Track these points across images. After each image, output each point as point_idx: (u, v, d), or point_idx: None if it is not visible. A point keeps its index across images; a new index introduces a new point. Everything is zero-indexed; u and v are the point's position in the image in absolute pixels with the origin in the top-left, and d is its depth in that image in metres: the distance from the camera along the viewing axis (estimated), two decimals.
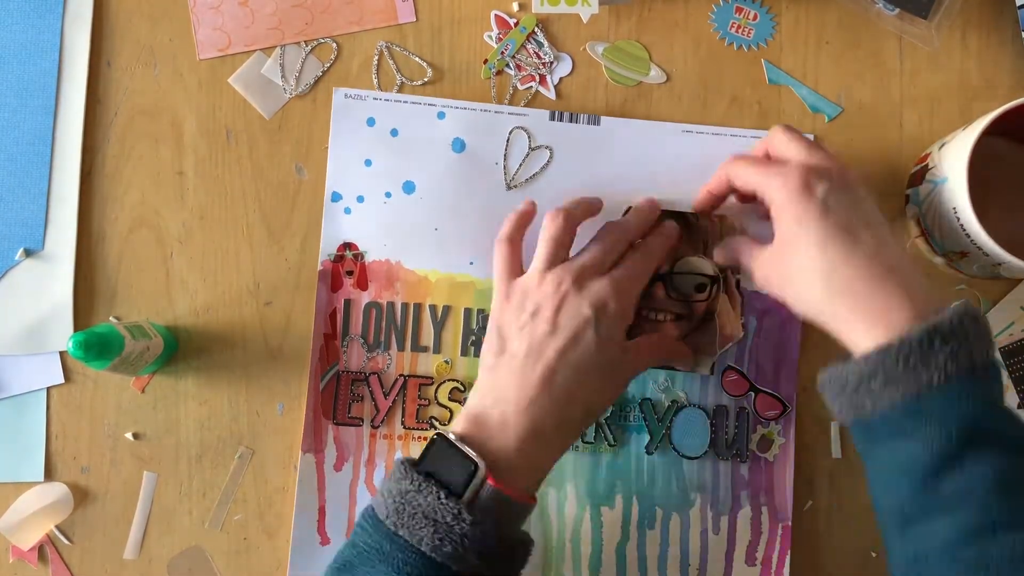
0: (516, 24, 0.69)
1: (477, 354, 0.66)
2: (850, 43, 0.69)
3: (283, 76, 0.68)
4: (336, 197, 0.67)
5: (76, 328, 0.66)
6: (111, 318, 0.67)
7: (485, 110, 0.67)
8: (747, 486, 0.66)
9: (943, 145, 0.62)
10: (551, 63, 0.68)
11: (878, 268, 0.51)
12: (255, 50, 0.68)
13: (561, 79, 0.68)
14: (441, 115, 0.67)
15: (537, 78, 0.68)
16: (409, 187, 0.67)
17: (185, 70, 0.69)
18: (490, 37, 0.69)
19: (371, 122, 0.67)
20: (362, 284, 0.67)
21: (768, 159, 0.58)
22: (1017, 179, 0.66)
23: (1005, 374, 0.66)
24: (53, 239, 0.67)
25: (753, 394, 0.66)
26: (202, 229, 0.68)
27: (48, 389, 0.67)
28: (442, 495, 0.50)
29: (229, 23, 0.69)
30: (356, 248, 0.67)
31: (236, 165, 0.68)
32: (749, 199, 0.60)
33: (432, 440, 0.53)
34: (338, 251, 0.67)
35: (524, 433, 0.53)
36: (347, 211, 0.67)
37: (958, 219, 0.59)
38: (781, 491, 0.66)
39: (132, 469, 0.66)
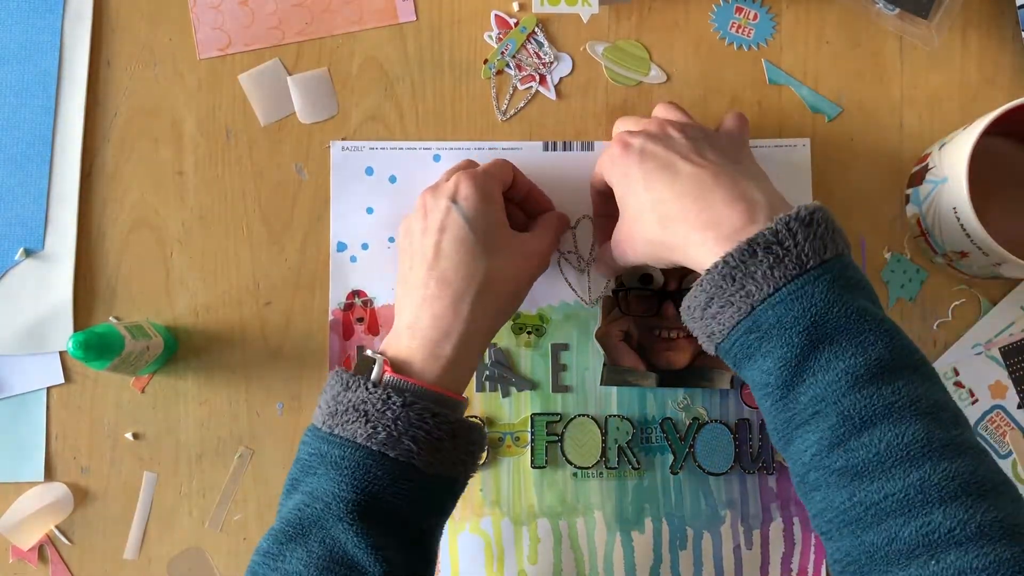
0: (516, 24, 0.69)
1: (492, 389, 0.66)
2: (850, 43, 0.69)
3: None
4: (341, 247, 0.67)
5: (76, 328, 0.66)
6: (111, 318, 0.67)
7: (479, 148, 0.68)
8: (776, 498, 0.66)
9: (943, 145, 0.62)
10: (551, 63, 0.68)
11: (701, 188, 0.52)
12: (255, 49, 0.69)
13: (561, 79, 0.68)
14: (436, 157, 0.68)
15: (537, 78, 0.68)
16: None
17: (185, 70, 0.69)
18: (490, 37, 0.69)
19: (369, 171, 0.68)
20: (373, 330, 0.67)
21: None
22: (1017, 179, 0.66)
23: (1005, 373, 0.66)
24: (53, 239, 0.67)
25: None
26: (202, 229, 0.68)
27: (48, 389, 0.67)
28: (369, 385, 0.51)
29: (229, 22, 0.69)
30: (365, 295, 0.67)
31: (236, 165, 0.68)
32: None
33: (356, 357, 0.55)
34: (347, 299, 0.67)
35: (424, 326, 0.54)
36: (353, 259, 0.67)
37: (958, 219, 0.59)
38: None
39: (132, 469, 0.66)
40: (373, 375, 0.52)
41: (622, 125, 0.62)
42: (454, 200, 0.56)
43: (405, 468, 0.50)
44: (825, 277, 0.47)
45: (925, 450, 0.44)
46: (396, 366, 0.53)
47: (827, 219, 0.49)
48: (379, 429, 0.50)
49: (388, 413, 0.50)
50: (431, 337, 0.54)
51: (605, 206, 0.63)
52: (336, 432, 0.51)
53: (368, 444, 0.50)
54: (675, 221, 0.52)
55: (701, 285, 0.50)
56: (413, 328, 0.54)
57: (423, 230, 0.57)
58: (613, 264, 0.62)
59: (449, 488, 0.53)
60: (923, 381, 0.46)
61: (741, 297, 0.48)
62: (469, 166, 0.62)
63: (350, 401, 0.51)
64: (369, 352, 0.54)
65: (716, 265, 0.49)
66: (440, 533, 0.54)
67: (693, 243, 0.51)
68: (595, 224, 0.66)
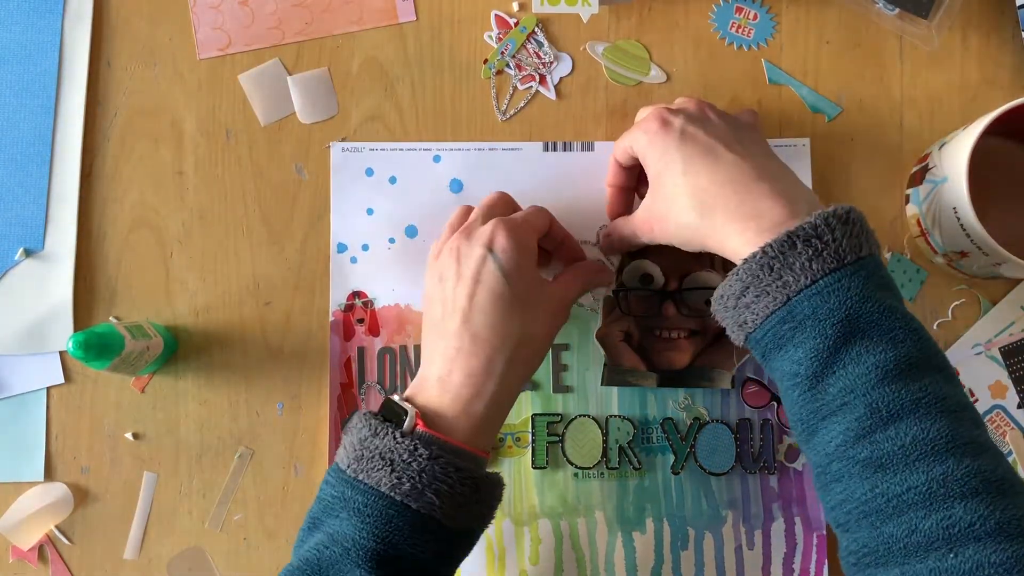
0: (516, 24, 0.69)
1: None
2: (850, 43, 0.69)
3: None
4: (342, 248, 0.67)
5: (76, 328, 0.66)
6: (111, 318, 0.67)
7: (479, 149, 0.68)
8: (778, 498, 0.66)
9: (943, 145, 0.62)
10: (551, 63, 0.68)
11: (743, 179, 0.53)
12: (255, 49, 0.69)
13: (561, 79, 0.68)
14: (437, 158, 0.68)
15: (537, 78, 0.68)
16: (411, 231, 0.67)
17: (185, 70, 0.69)
18: (490, 37, 0.69)
19: (369, 172, 0.68)
20: (374, 331, 0.67)
21: None
22: (1017, 179, 0.66)
23: (1005, 373, 0.66)
24: (53, 239, 0.67)
25: (776, 404, 0.66)
26: (202, 229, 0.68)
27: (48, 389, 0.67)
28: (397, 435, 0.51)
29: (229, 22, 0.69)
30: (365, 296, 0.67)
31: (236, 165, 0.68)
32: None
33: (382, 403, 0.54)
34: (348, 300, 0.67)
35: (456, 382, 0.53)
36: (353, 260, 0.67)
37: (958, 219, 0.59)
38: (813, 500, 0.65)
39: (132, 469, 0.66)
40: (405, 426, 0.52)
41: (648, 109, 0.61)
42: (491, 249, 0.55)
43: (426, 520, 0.50)
44: (861, 273, 0.48)
45: (949, 446, 0.44)
46: (426, 418, 0.53)
47: (861, 219, 0.50)
48: (404, 480, 0.50)
49: (414, 465, 0.50)
50: (464, 395, 0.53)
51: (623, 178, 0.63)
52: (361, 478, 0.50)
53: (392, 494, 0.50)
54: (715, 209, 0.53)
55: (737, 274, 0.50)
56: (444, 382, 0.54)
57: (456, 277, 0.55)
58: (626, 239, 0.62)
59: (467, 539, 0.54)
60: (947, 381, 0.47)
61: (778, 287, 0.49)
62: (501, 200, 0.60)
63: (377, 448, 0.51)
64: (397, 399, 0.53)
65: (755, 255, 0.49)
66: None
67: (732, 233, 0.52)
68: (609, 196, 0.65)
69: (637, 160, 0.60)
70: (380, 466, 0.50)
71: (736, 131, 0.56)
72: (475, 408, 0.53)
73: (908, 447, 0.45)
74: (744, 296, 0.50)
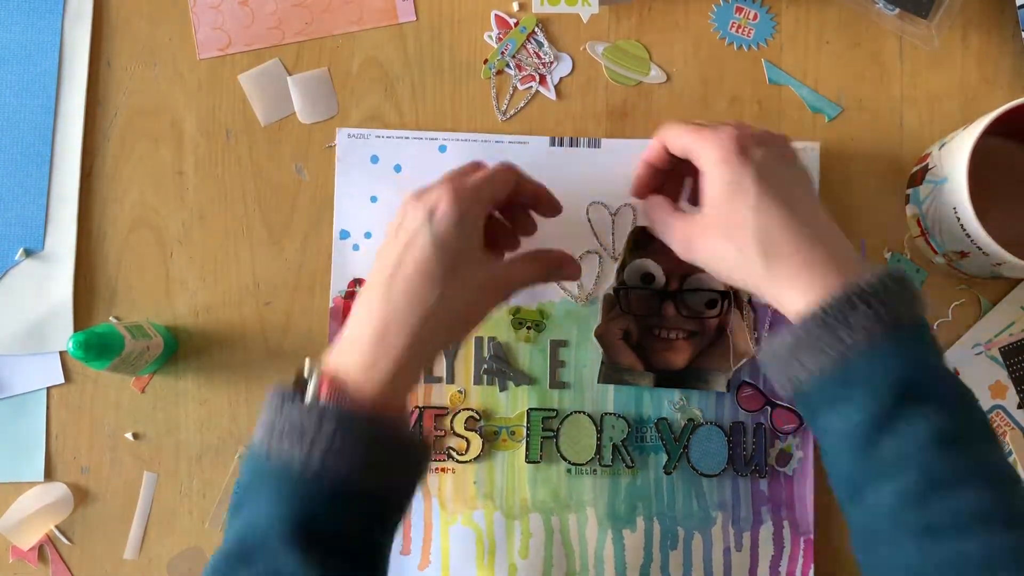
0: (516, 24, 0.69)
1: (490, 382, 0.66)
2: (850, 43, 0.69)
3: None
4: (344, 235, 0.67)
5: (76, 328, 0.66)
6: (111, 318, 0.67)
7: (486, 140, 0.68)
8: (767, 501, 0.66)
9: (943, 145, 0.62)
10: (551, 63, 0.68)
11: (812, 234, 0.51)
12: (255, 49, 0.69)
13: (561, 79, 0.68)
14: (442, 148, 0.67)
15: (537, 78, 0.68)
16: None
17: (185, 70, 0.69)
18: (490, 37, 0.69)
19: (375, 159, 0.68)
20: None
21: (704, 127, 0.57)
22: (1017, 179, 0.66)
23: (1005, 373, 0.66)
24: (53, 239, 0.67)
25: (769, 408, 0.66)
26: (202, 229, 0.68)
27: (48, 389, 0.67)
28: (303, 407, 0.49)
29: (229, 22, 0.69)
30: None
31: (236, 165, 0.68)
32: (678, 171, 0.60)
33: (295, 372, 0.53)
34: (349, 287, 0.67)
35: (366, 340, 0.52)
36: (355, 248, 0.67)
37: (958, 219, 0.59)
38: (802, 504, 0.65)
39: (132, 469, 0.66)
40: (308, 394, 0.50)
41: (726, 119, 0.58)
42: (430, 216, 0.53)
43: (342, 489, 0.49)
44: (916, 336, 0.48)
45: (1003, 516, 0.44)
46: (337, 381, 0.51)
47: (913, 283, 0.50)
48: (314, 451, 0.48)
49: (323, 434, 0.48)
50: (371, 353, 0.51)
51: (664, 161, 0.59)
52: (273, 454, 0.49)
53: (304, 467, 0.48)
54: (780, 258, 0.51)
55: (792, 330, 0.49)
56: (356, 340, 0.52)
57: (394, 239, 0.54)
58: (655, 227, 0.59)
59: (394, 505, 0.52)
60: (996, 450, 0.48)
61: (834, 345, 0.48)
62: (474, 169, 0.58)
63: (286, 421, 0.49)
64: (307, 364, 0.52)
65: (813, 312, 0.48)
66: (390, 548, 0.53)
67: (792, 286, 0.51)
68: (641, 171, 0.61)
69: (685, 155, 0.56)
70: (291, 440, 0.48)
71: (807, 181, 0.55)
72: (380, 368, 0.51)
73: (962, 515, 0.44)
74: (796, 352, 0.49)
